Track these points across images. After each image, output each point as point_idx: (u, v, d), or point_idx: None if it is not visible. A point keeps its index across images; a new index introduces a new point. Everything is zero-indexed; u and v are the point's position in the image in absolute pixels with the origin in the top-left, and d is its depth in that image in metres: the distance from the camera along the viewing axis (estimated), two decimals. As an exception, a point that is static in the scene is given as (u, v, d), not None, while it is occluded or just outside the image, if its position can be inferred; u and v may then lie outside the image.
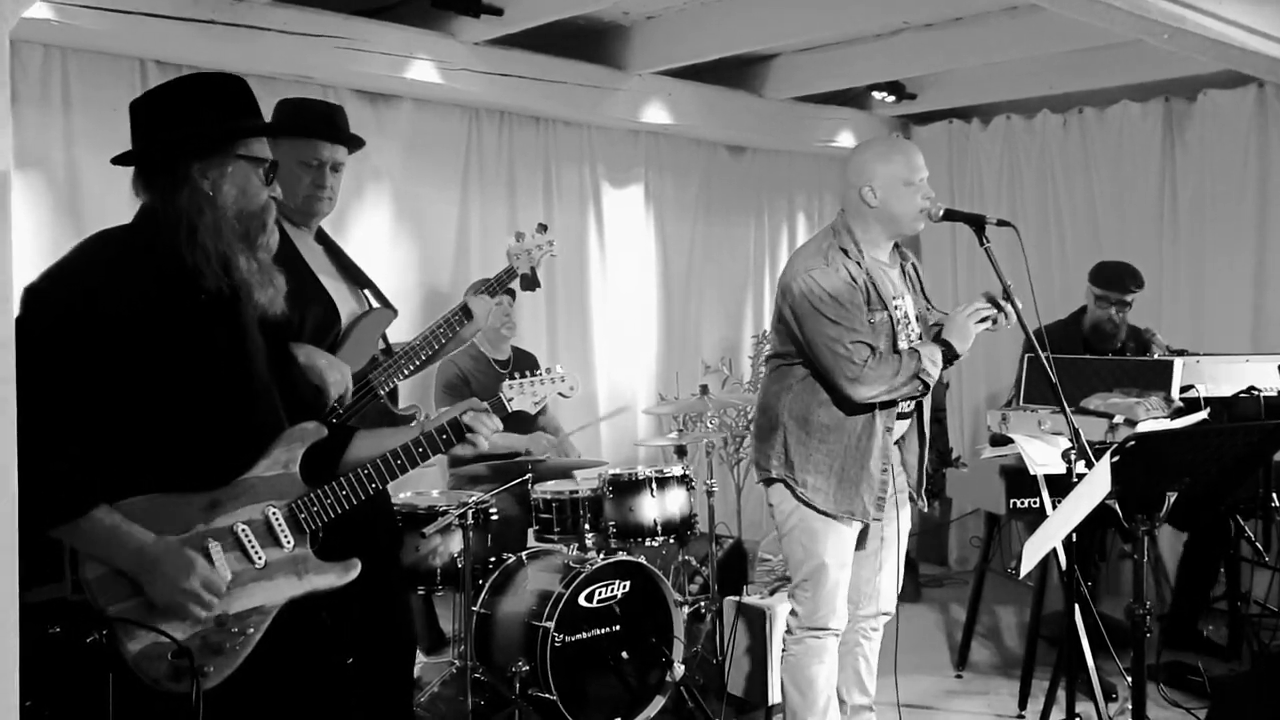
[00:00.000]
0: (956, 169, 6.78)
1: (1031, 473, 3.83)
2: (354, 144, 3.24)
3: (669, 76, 5.80)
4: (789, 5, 5.04)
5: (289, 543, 2.19)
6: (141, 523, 2.04)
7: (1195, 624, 4.81)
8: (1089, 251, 5.97)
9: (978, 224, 3.24)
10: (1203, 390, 4.03)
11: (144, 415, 2.09)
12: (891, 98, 6.39)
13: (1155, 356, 4.50)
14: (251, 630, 2.12)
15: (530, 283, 3.53)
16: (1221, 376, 4.13)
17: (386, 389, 3.13)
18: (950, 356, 3.23)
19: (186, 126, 2.16)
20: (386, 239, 5.14)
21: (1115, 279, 4.81)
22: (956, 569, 6.62)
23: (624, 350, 6.08)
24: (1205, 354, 4.40)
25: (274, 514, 2.18)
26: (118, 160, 2.20)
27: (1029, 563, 2.64)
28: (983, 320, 3.24)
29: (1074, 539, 3.01)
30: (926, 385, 3.24)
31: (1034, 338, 3.22)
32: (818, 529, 3.34)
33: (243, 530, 2.14)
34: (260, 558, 2.16)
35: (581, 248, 5.89)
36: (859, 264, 3.23)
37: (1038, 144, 6.47)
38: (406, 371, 3.19)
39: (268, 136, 2.26)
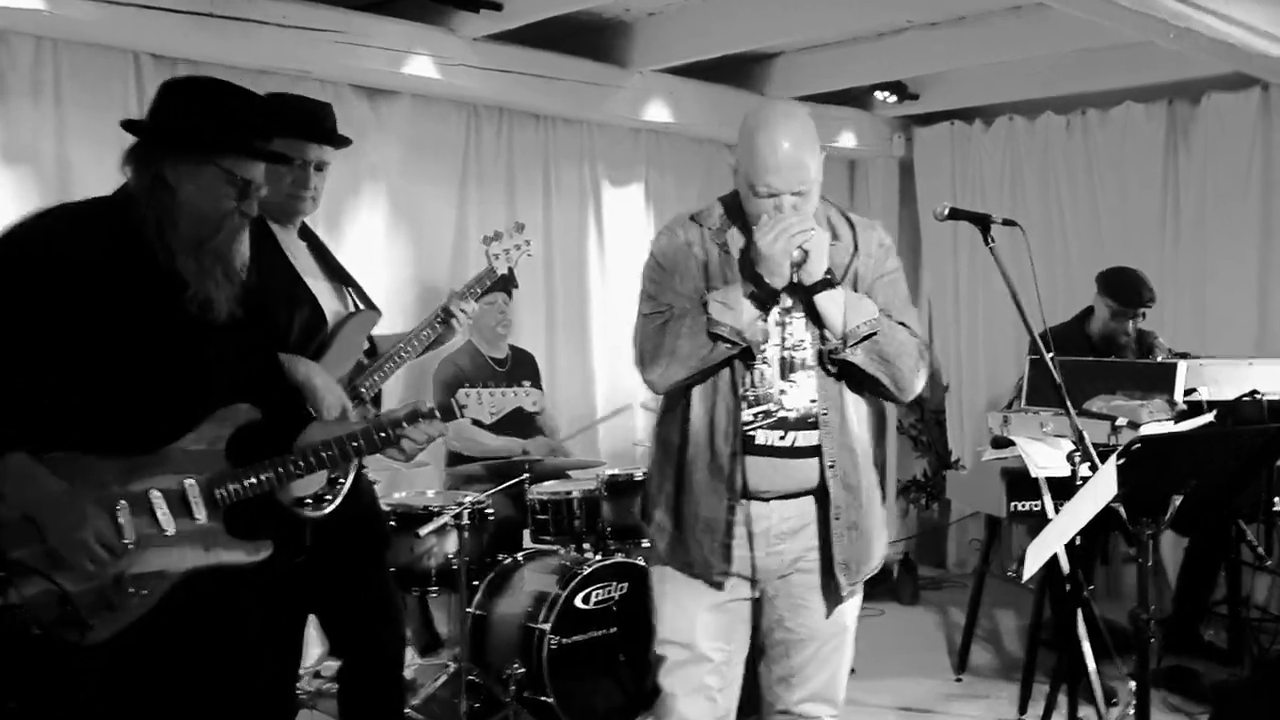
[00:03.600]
0: (959, 170, 6.74)
1: (1033, 475, 3.80)
2: (341, 143, 3.20)
3: (671, 74, 5.75)
4: (792, 3, 5.00)
5: (201, 515, 2.23)
6: (59, 476, 2.11)
7: (1196, 628, 4.77)
8: (1092, 254, 5.93)
9: (983, 223, 3.19)
10: (1205, 393, 3.99)
11: (76, 376, 2.15)
12: (894, 98, 6.35)
13: (1158, 360, 4.46)
14: (148, 592, 2.17)
15: (507, 283, 3.50)
16: (1224, 380, 4.08)
17: (371, 394, 3.09)
18: (759, 293, 2.42)
19: (177, 122, 2.24)
20: (383, 236, 5.10)
21: (1134, 295, 4.75)
22: (955, 571, 6.58)
23: (623, 350, 5.96)
24: (1208, 357, 4.35)
25: (190, 485, 2.23)
26: (125, 124, 2.29)
27: (1032, 566, 2.60)
28: (798, 236, 2.38)
29: (1076, 542, 2.98)
30: (731, 342, 2.41)
31: (1039, 339, 3.18)
32: (657, 588, 2.63)
33: (156, 496, 2.20)
34: (169, 525, 2.20)
35: (581, 247, 5.85)
36: (714, 239, 2.54)
37: (1040, 145, 6.42)
38: (390, 375, 3.16)
39: (261, 160, 2.31)
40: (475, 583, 4.11)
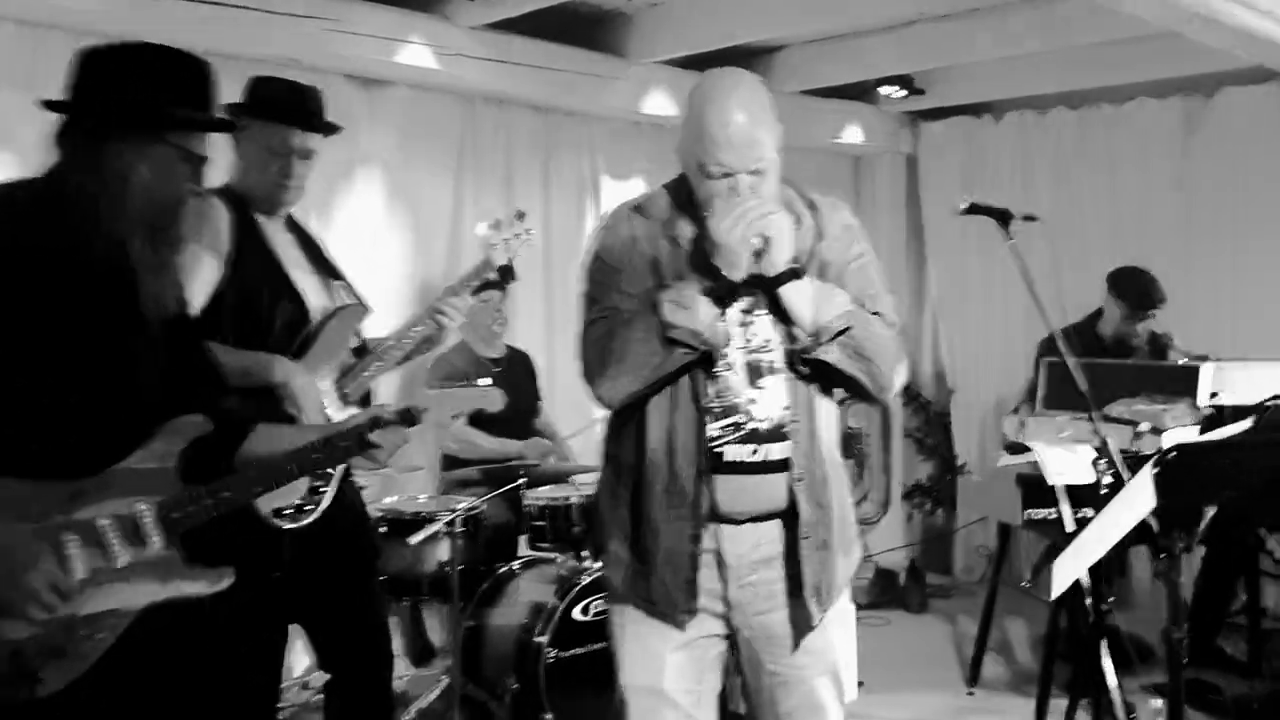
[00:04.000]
0: (968, 166, 6.59)
1: (1050, 482, 3.64)
2: (329, 131, 3.04)
3: (672, 66, 5.60)
4: (797, -7, 4.85)
5: (155, 543, 1.98)
6: None
7: (1214, 640, 4.62)
8: (1105, 252, 5.76)
9: (1003, 219, 3.06)
10: (1226, 397, 3.83)
11: (5, 389, 1.91)
12: (901, 92, 6.20)
13: (1176, 362, 4.31)
14: (103, 635, 1.93)
15: (506, 275, 3.32)
16: (1246, 382, 3.93)
17: (357, 396, 2.93)
18: (716, 288, 2.15)
19: (121, 96, 1.98)
20: (377, 230, 4.93)
21: (1145, 296, 4.64)
22: (963, 578, 6.43)
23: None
24: (1228, 358, 4.20)
25: (143, 510, 1.98)
26: (48, 104, 2.01)
27: (1060, 583, 2.44)
28: (757, 221, 2.10)
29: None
30: (689, 346, 2.13)
31: (1060, 339, 3.04)
32: (616, 625, 2.37)
33: (105, 525, 1.94)
34: (121, 557, 1.96)
35: (580, 242, 5.68)
36: (662, 232, 2.24)
37: (1052, 141, 6.28)
38: (379, 375, 2.99)
39: (215, 131, 2.10)
40: (469, 592, 3.95)
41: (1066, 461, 3.64)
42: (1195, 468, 2.48)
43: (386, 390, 4.73)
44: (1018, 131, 6.40)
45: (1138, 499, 2.33)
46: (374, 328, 3.12)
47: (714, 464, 2.20)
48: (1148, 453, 3.58)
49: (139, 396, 2.02)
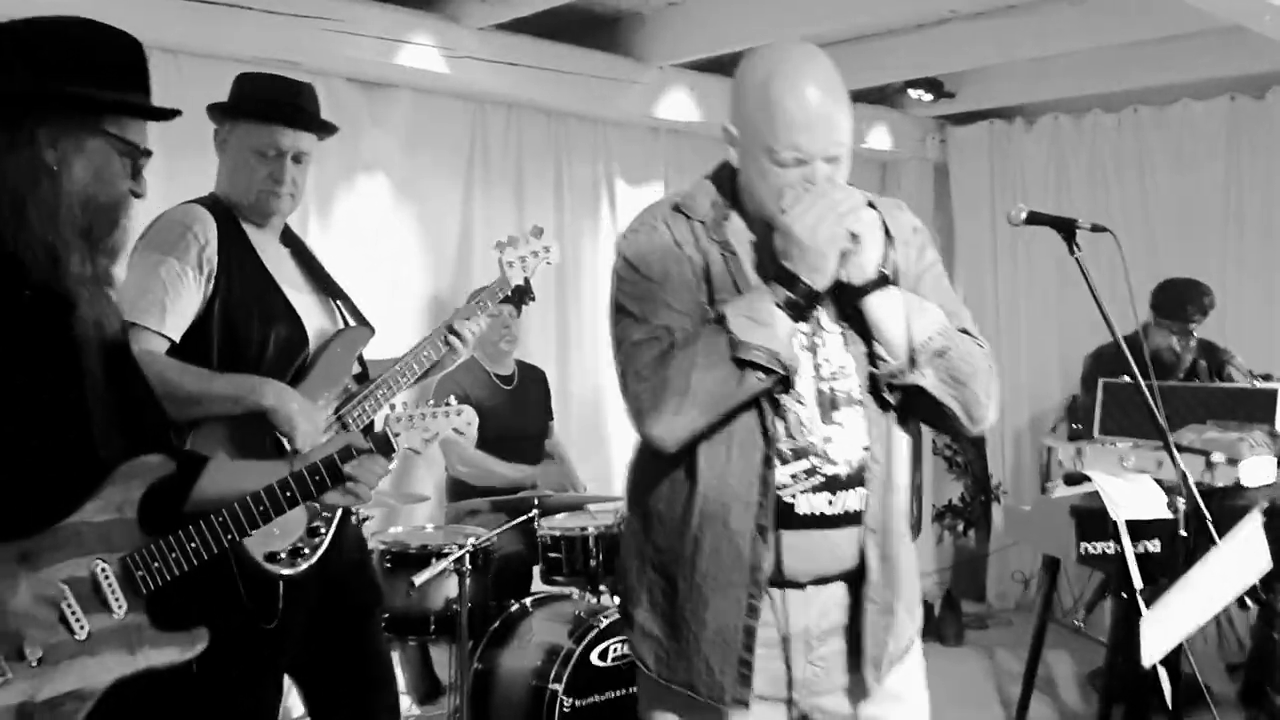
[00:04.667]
0: (998, 173, 6.30)
1: (1114, 517, 3.35)
2: (324, 130, 2.77)
3: (691, 69, 5.32)
4: (824, -9, 4.57)
5: (120, 607, 1.72)
6: None
7: (1266, 689, 4.31)
8: (1146, 264, 5.46)
9: (1068, 229, 2.77)
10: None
11: None
12: (929, 96, 5.91)
13: (1238, 383, 4.01)
14: None
15: (523, 295, 3.04)
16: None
17: (361, 425, 2.65)
18: (798, 300, 1.80)
19: (45, 81, 1.69)
20: (382, 240, 4.65)
21: (1177, 305, 4.33)
22: (997, 605, 6.12)
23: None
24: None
25: (103, 570, 1.72)
26: None
27: (1153, 653, 2.14)
28: (847, 216, 1.81)
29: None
30: (767, 370, 1.80)
31: (1130, 358, 2.74)
32: (645, 708, 2.03)
33: (61, 591, 1.68)
34: (82, 627, 1.69)
35: (595, 253, 5.40)
36: (710, 235, 1.92)
37: (1088, 146, 5.98)
38: (384, 403, 2.70)
39: (157, 119, 1.81)
40: (479, 631, 3.66)
41: (1131, 494, 3.34)
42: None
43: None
44: (1052, 136, 6.11)
45: (1249, 558, 2.03)
46: (379, 346, 2.85)
47: (782, 517, 1.87)
48: (1221, 485, 3.30)
49: (85, 438, 1.75)
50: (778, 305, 1.80)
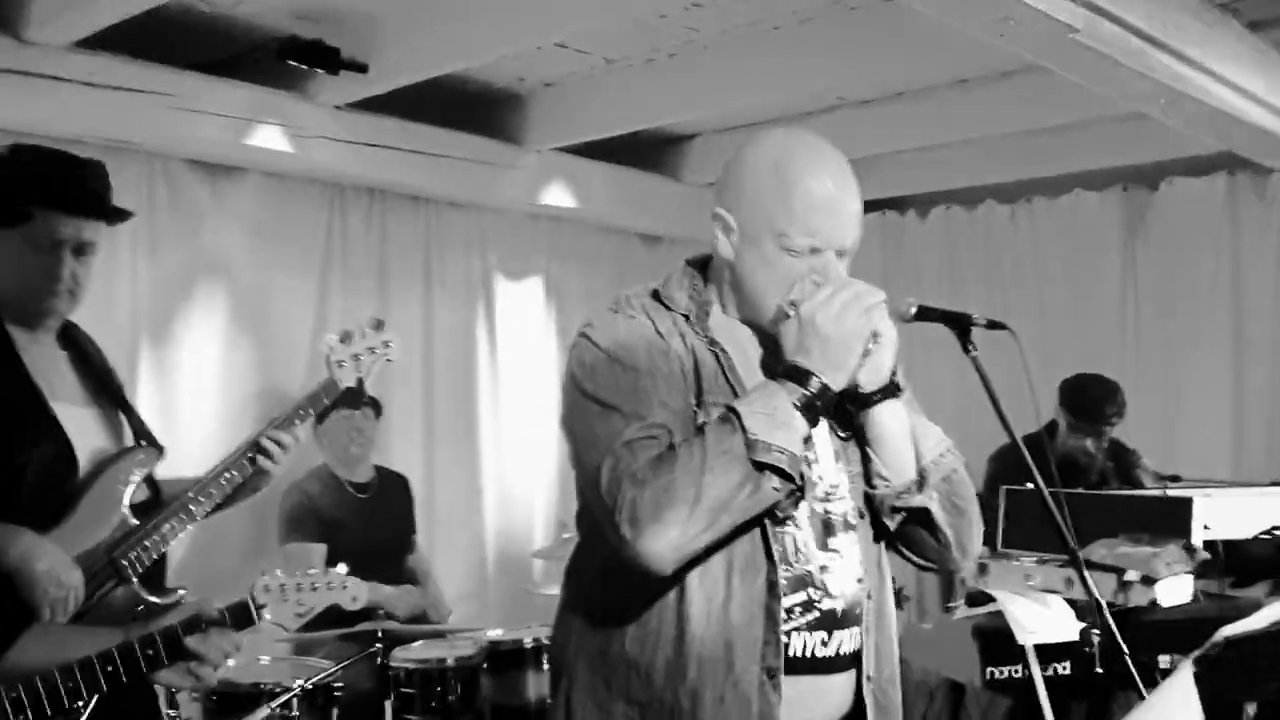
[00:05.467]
0: (891, 266, 6.12)
1: (1020, 641, 3.05)
2: (114, 217, 2.37)
3: (572, 155, 5.05)
4: (708, 75, 4.34)
5: None
6: None
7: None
8: (1042, 359, 5.27)
9: (962, 326, 2.48)
10: (1216, 532, 3.28)
11: None
12: (821, 184, 5.72)
13: (1149, 488, 3.78)
14: None
15: (355, 398, 2.66)
16: (1236, 513, 3.39)
17: (141, 568, 2.21)
18: (814, 398, 1.57)
19: None
20: (221, 340, 4.25)
21: (1094, 407, 4.11)
22: (902, 719, 5.77)
23: (519, 470, 5.18)
24: (1211, 483, 3.68)
25: None
26: None
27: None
28: (874, 310, 1.63)
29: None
30: (787, 477, 1.55)
31: (1034, 467, 2.45)
32: None
33: None
34: None
35: (469, 348, 5.04)
36: (695, 329, 1.70)
37: (981, 237, 5.84)
38: (172, 538, 2.28)
39: None
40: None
41: (1040, 616, 3.05)
42: (1244, 660, 1.89)
43: (233, 528, 4.01)
44: (945, 227, 5.97)
45: (1177, 708, 1.72)
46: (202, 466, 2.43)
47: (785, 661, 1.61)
48: (1135, 604, 3.03)
49: None
50: (796, 405, 1.57)
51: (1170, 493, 3.30)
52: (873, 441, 1.69)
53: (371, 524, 4.11)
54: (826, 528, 1.66)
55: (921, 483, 1.69)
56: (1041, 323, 5.57)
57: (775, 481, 1.53)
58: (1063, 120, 4.63)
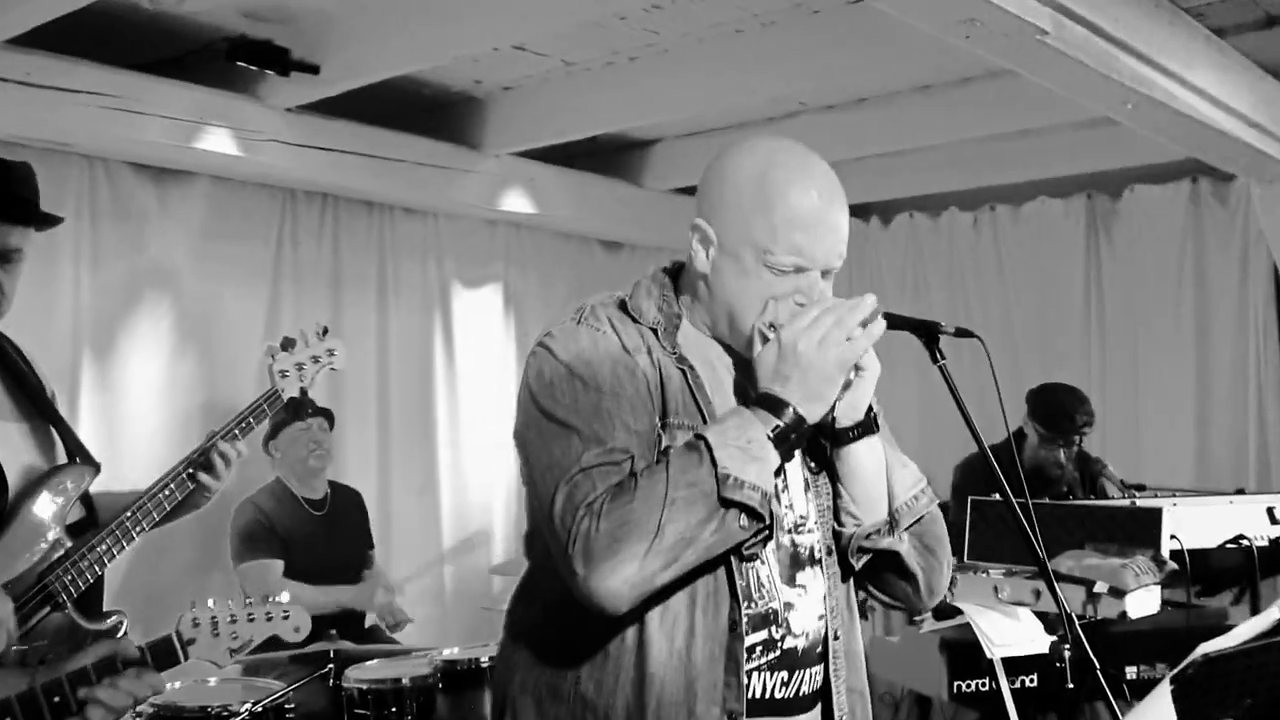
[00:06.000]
0: (854, 274, 6.07)
1: (989, 655, 2.99)
2: (42, 222, 2.25)
3: (531, 160, 4.96)
4: (669, 79, 4.26)
5: None
6: None
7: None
8: (1007, 366, 5.26)
9: (929, 334, 2.41)
10: (1182, 541, 3.24)
11: None
12: (784, 191, 5.67)
13: (1113, 497, 3.73)
14: None
15: (299, 409, 2.57)
16: (1200, 521, 3.35)
17: (75, 592, 2.09)
18: (788, 430, 1.45)
19: None
20: (167, 351, 4.11)
21: (1064, 417, 4.05)
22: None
23: (477, 483, 5.07)
24: (1177, 492, 3.64)
25: None
26: None
27: None
28: (858, 339, 1.50)
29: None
30: (757, 516, 1.43)
31: (999, 473, 2.38)
32: None
33: None
34: None
35: (425, 358, 4.93)
36: (663, 344, 1.58)
37: (945, 245, 5.82)
38: (108, 561, 2.16)
39: None
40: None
41: (1008, 629, 2.99)
42: (1219, 677, 1.83)
43: (180, 543, 3.89)
44: (908, 235, 5.94)
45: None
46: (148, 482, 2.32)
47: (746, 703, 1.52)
48: (1105, 616, 2.97)
49: None
50: (769, 437, 1.46)
51: (1139, 503, 3.25)
52: (844, 478, 1.60)
53: (327, 540, 4.00)
54: (794, 561, 1.57)
55: (893, 525, 1.60)
56: (1006, 331, 5.55)
57: (743, 519, 1.42)
58: (1026, 125, 4.60)
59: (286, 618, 1.84)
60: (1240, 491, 3.89)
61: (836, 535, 1.61)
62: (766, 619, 1.52)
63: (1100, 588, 2.83)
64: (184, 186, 4.15)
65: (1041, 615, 3.07)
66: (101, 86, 3.64)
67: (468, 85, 4.52)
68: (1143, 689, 3.26)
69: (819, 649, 1.58)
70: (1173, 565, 2.96)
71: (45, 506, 2.12)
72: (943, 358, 2.42)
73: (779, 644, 1.54)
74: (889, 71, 4.21)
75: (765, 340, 1.52)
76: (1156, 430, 5.07)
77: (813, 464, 1.62)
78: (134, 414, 3.95)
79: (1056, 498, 4.07)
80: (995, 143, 4.97)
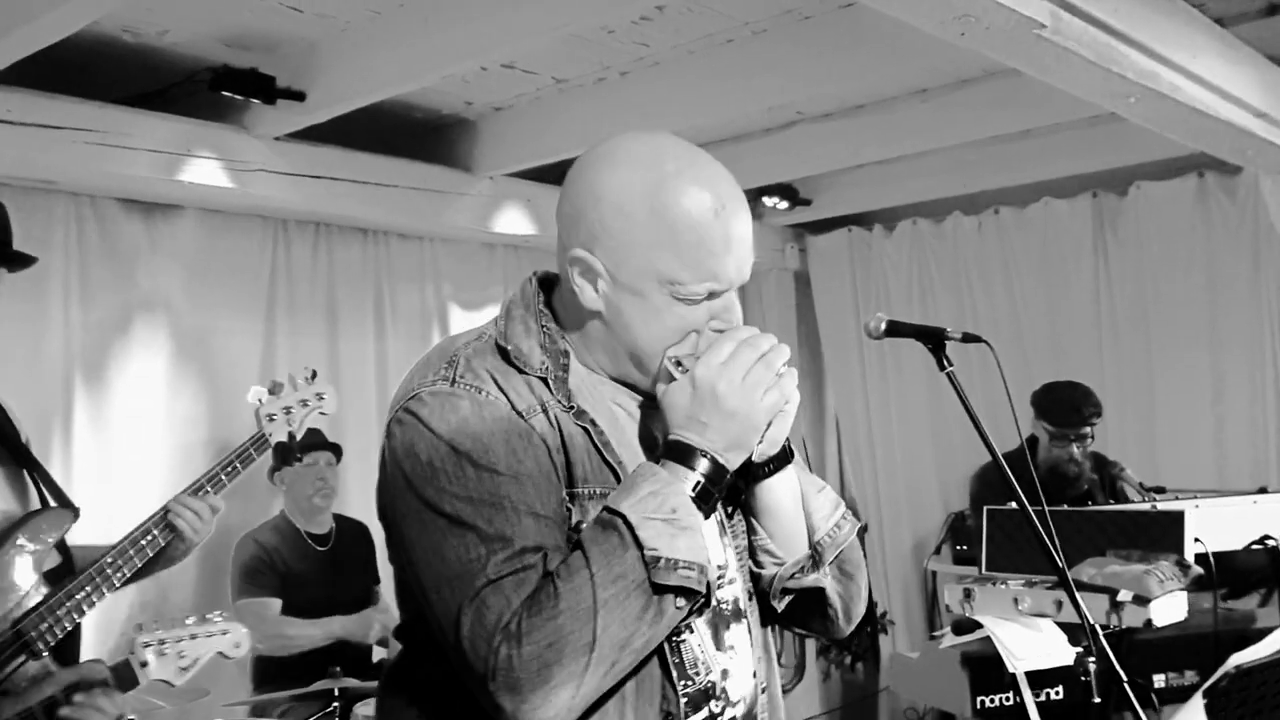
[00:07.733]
0: (860, 281, 6.00)
1: (1012, 669, 2.89)
2: (14, 263, 2.20)
3: (527, 180, 4.89)
4: (662, 93, 4.19)
5: None
6: None
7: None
8: (1017, 370, 5.16)
9: (935, 340, 2.33)
10: (1207, 544, 3.14)
11: None
12: (784, 204, 5.60)
13: (1133, 501, 3.64)
14: None
15: (287, 454, 2.51)
16: (1226, 524, 3.25)
17: (52, 640, 2.02)
18: (709, 483, 1.28)
19: None
20: (162, 387, 4.03)
21: (1070, 410, 3.98)
22: (891, 749, 5.60)
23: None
24: (1198, 493, 3.54)
25: None
26: None
27: None
28: (786, 376, 1.35)
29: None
30: (697, 597, 1.25)
31: (1014, 481, 2.30)
32: None
33: None
34: None
35: (426, 386, 4.84)
36: (558, 397, 1.35)
37: (950, 250, 5.72)
38: (88, 606, 2.08)
39: None
40: None
41: (1030, 641, 2.89)
42: (1253, 689, 1.74)
43: (183, 581, 3.82)
44: (912, 241, 5.84)
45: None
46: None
47: None
48: (1130, 624, 2.87)
49: None
50: (703, 481, 1.28)
51: (1160, 506, 3.15)
52: (761, 515, 1.43)
53: (331, 576, 3.92)
54: (719, 621, 1.38)
55: (816, 560, 1.43)
56: (1015, 333, 5.46)
57: (679, 601, 1.23)
58: (1026, 125, 4.51)
59: (226, 634, 1.89)
60: (1263, 490, 3.78)
61: (755, 577, 1.45)
62: (706, 694, 1.35)
63: (1124, 595, 2.73)
64: (173, 220, 4.08)
65: (1064, 626, 2.97)
66: (85, 122, 3.58)
67: (459, 107, 4.46)
68: (1172, 697, 3.16)
69: (754, 711, 1.42)
70: (1197, 569, 2.86)
71: (21, 553, 2.05)
72: (950, 364, 2.34)
73: (721, 715, 1.36)
74: (884, 76, 4.12)
75: (672, 378, 1.32)
76: (1173, 430, 4.96)
77: (728, 507, 1.44)
78: (128, 453, 3.87)
79: (1078, 499, 3.98)
80: (996, 145, 4.88)
